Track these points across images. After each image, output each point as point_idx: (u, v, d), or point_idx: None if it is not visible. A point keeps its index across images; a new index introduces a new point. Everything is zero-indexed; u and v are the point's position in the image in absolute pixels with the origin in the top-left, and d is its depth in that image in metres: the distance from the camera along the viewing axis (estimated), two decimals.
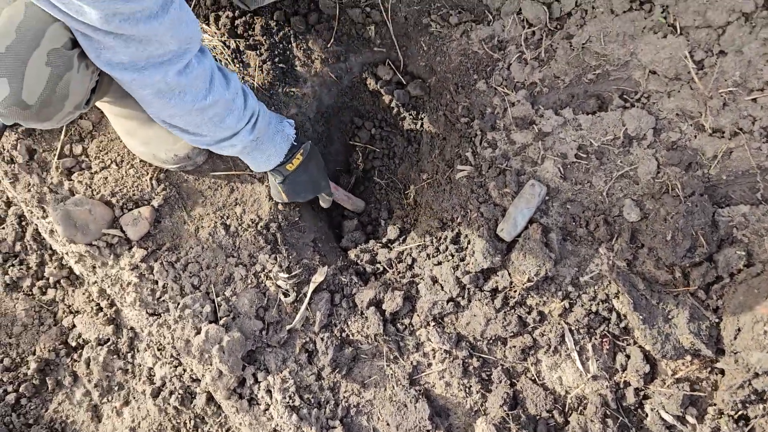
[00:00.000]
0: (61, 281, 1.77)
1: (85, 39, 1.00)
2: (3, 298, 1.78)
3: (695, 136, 1.45)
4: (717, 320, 1.38)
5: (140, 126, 1.52)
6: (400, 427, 1.41)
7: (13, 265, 1.78)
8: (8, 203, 1.81)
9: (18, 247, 1.79)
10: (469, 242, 1.52)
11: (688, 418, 1.38)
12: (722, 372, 1.38)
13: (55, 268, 1.76)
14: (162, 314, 1.54)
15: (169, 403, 1.63)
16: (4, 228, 1.80)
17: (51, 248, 1.78)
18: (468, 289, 1.49)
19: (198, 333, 1.48)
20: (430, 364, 1.50)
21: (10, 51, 0.91)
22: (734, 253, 1.38)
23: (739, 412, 1.33)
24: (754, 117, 1.40)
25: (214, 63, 1.25)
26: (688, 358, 1.38)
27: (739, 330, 1.33)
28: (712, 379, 1.39)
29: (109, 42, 1.00)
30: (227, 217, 1.59)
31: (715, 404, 1.37)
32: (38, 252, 1.78)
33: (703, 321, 1.37)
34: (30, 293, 1.78)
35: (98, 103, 1.55)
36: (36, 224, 1.76)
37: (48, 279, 1.78)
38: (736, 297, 1.35)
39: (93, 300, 1.74)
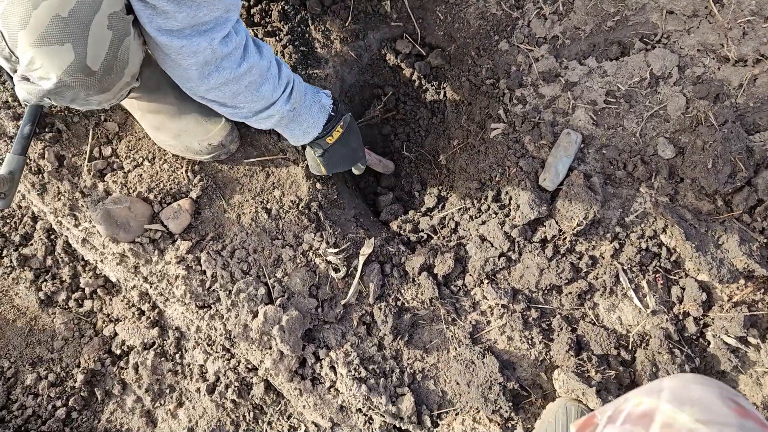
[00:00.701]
0: (98, 291, 1.73)
1: (139, 3, 1.00)
2: (39, 315, 1.74)
3: (719, 68, 1.49)
4: (765, 240, 1.41)
5: (170, 119, 1.51)
6: (471, 384, 1.41)
7: (45, 281, 1.74)
8: (35, 218, 1.78)
9: (49, 262, 1.75)
10: (511, 198, 1.54)
11: (750, 339, 1.41)
12: None
13: (90, 278, 1.72)
14: (212, 305, 1.52)
15: (226, 397, 1.60)
16: (32, 244, 1.76)
17: (83, 259, 1.75)
18: (517, 242, 1.51)
19: (255, 316, 1.47)
20: (489, 322, 1.51)
21: (73, 15, 0.90)
22: None
23: None
24: None
25: (248, 32, 1.26)
26: (742, 281, 1.41)
27: None
28: (767, 299, 1.42)
29: (163, 5, 1.00)
30: (267, 201, 1.59)
31: None
32: (70, 264, 1.75)
33: (753, 243, 1.41)
34: (66, 306, 1.74)
35: (124, 102, 1.54)
36: (66, 236, 1.73)
37: (84, 290, 1.74)
38: None
39: (133, 305, 1.71)
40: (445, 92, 1.76)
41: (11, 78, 1.51)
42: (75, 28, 0.92)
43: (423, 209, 1.69)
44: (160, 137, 1.55)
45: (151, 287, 1.59)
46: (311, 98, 1.42)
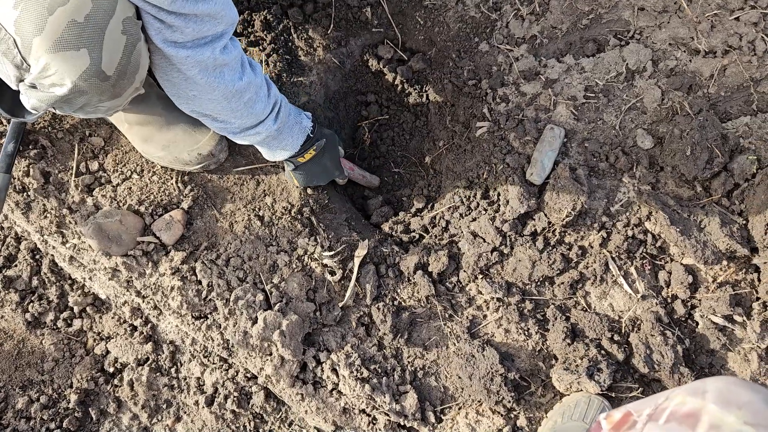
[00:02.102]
0: (87, 309, 1.71)
1: (149, 16, 1.01)
2: (27, 337, 1.70)
3: (690, 61, 1.56)
4: (744, 222, 1.48)
5: (157, 130, 1.51)
6: (473, 377, 1.43)
7: (32, 302, 1.71)
8: (18, 239, 1.74)
9: (35, 282, 1.72)
10: (499, 194, 1.58)
11: (736, 317, 1.46)
12: (757, 270, 1.48)
13: (78, 297, 1.69)
14: (209, 315, 1.51)
15: (225, 408, 1.59)
16: (17, 265, 1.73)
17: (70, 277, 1.72)
18: (509, 236, 1.54)
19: (255, 322, 1.46)
20: (485, 316, 1.53)
21: (89, 20, 0.90)
22: (746, 160, 1.49)
23: None
24: (740, 34, 1.53)
25: (241, 49, 1.29)
26: (725, 262, 1.47)
27: (767, 225, 1.43)
28: (749, 278, 1.48)
29: (172, 21, 1.02)
30: (259, 209, 1.59)
31: (759, 298, 1.46)
32: (57, 284, 1.72)
33: (733, 224, 1.47)
34: (55, 327, 1.71)
35: (112, 118, 1.54)
36: (52, 255, 1.70)
37: (72, 309, 1.71)
38: (757, 197, 1.46)
39: (125, 321, 1.68)
40: (428, 95, 1.80)
41: None
42: (91, 32, 0.92)
43: (413, 210, 1.72)
44: (148, 149, 1.55)
45: (144, 301, 1.58)
46: (294, 119, 1.45)
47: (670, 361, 1.40)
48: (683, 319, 1.49)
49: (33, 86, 0.96)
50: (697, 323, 1.48)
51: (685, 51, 1.57)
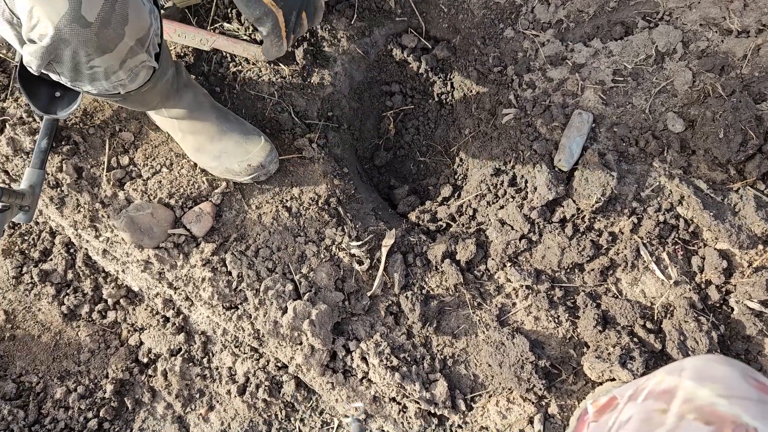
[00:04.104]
0: (120, 301, 1.74)
1: None
2: (64, 329, 1.74)
3: (722, 41, 1.53)
4: None
5: (209, 141, 1.52)
6: (503, 365, 1.43)
7: (67, 294, 1.75)
8: (53, 233, 1.78)
9: (70, 275, 1.75)
10: (527, 181, 1.56)
11: None
12: None
13: (112, 289, 1.73)
14: (240, 305, 1.53)
15: (257, 398, 1.61)
16: (52, 259, 1.77)
17: (104, 270, 1.75)
18: (537, 223, 1.53)
19: (285, 312, 1.48)
20: (514, 303, 1.53)
21: None
22: None
23: None
24: None
25: None
26: (761, 246, 1.44)
27: None
28: None
29: None
30: (287, 200, 1.60)
31: None
32: (91, 276, 1.75)
33: None
34: (90, 319, 1.74)
35: (165, 123, 1.55)
36: (86, 249, 1.73)
37: (107, 301, 1.75)
38: None
39: (157, 313, 1.71)
40: (452, 83, 1.79)
41: (19, 81, 1.52)
42: None
43: (439, 199, 1.71)
44: (201, 158, 1.57)
45: (175, 292, 1.60)
46: None
47: (704, 348, 1.37)
48: (718, 304, 1.46)
49: (31, 40, 0.95)
50: (732, 309, 1.45)
51: (716, 31, 1.54)
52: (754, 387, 0.68)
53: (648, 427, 0.69)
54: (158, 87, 1.28)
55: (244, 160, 1.50)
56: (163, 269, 1.56)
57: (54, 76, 1.08)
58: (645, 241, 1.49)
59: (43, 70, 1.04)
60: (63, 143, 1.62)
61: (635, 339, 1.42)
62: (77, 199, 1.59)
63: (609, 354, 1.39)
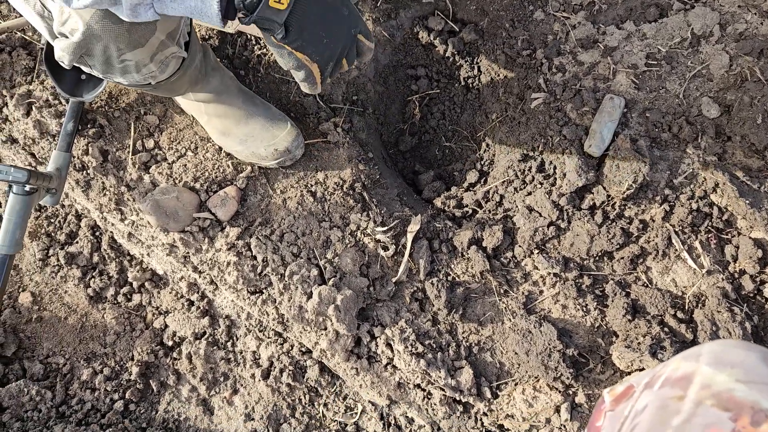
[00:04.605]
0: (145, 284, 1.75)
1: None
2: (90, 311, 1.75)
3: (762, 23, 1.48)
4: None
5: (236, 124, 1.51)
6: (530, 353, 1.41)
7: (93, 277, 1.76)
8: (78, 216, 1.79)
9: (96, 258, 1.76)
10: (555, 167, 1.53)
11: None
12: None
13: (137, 272, 1.73)
14: (264, 290, 1.53)
15: (281, 382, 1.61)
16: (78, 242, 1.78)
17: (129, 254, 1.76)
18: (566, 210, 1.50)
19: (310, 297, 1.47)
20: (541, 291, 1.50)
21: None
22: None
23: None
24: None
25: None
26: None
27: None
28: None
29: None
30: (311, 185, 1.59)
31: None
32: (117, 260, 1.76)
33: None
34: (116, 301, 1.75)
35: (190, 106, 1.54)
36: (111, 232, 1.74)
37: (132, 284, 1.75)
38: None
39: (182, 296, 1.72)
40: (479, 67, 1.76)
41: (45, 64, 1.52)
42: None
43: (465, 185, 1.69)
44: (227, 142, 1.56)
45: (200, 276, 1.60)
46: None
47: (737, 338, 1.34)
48: (752, 295, 1.43)
49: (62, 34, 0.95)
50: (767, 300, 1.42)
51: (755, 13, 1.49)
52: None
53: (664, 415, 0.67)
54: (187, 74, 1.28)
55: (271, 144, 1.49)
56: (188, 253, 1.56)
57: (86, 69, 1.08)
58: (677, 230, 1.46)
59: (75, 63, 1.04)
60: (89, 126, 1.62)
61: (666, 329, 1.39)
62: (103, 182, 1.60)
63: (639, 344, 1.36)
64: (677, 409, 0.66)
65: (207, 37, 1.69)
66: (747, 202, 1.39)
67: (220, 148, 1.60)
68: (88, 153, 1.60)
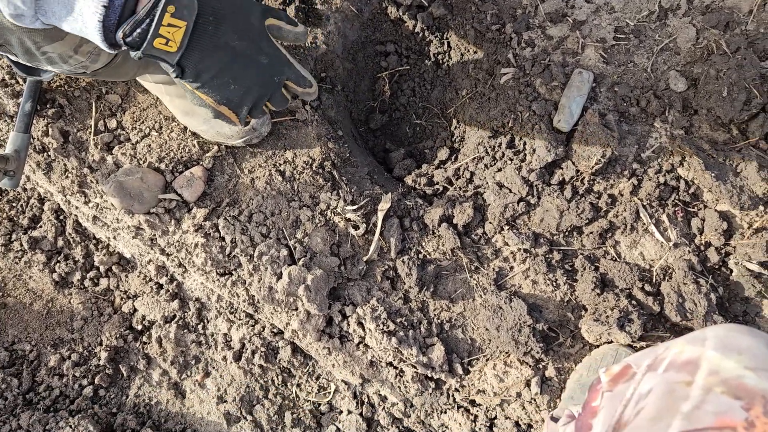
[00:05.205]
0: (113, 268, 1.72)
1: None
2: (56, 296, 1.72)
3: None
4: None
5: (198, 103, 1.47)
6: (501, 328, 1.42)
7: (58, 262, 1.72)
8: (41, 200, 1.75)
9: (60, 243, 1.73)
10: (525, 143, 1.53)
11: None
12: None
13: (104, 256, 1.70)
14: (234, 271, 1.51)
15: (253, 363, 1.60)
16: (41, 226, 1.74)
17: (95, 237, 1.73)
18: (536, 186, 1.50)
19: (280, 278, 1.46)
20: (512, 267, 1.51)
21: None
22: None
23: None
24: None
25: None
26: (762, 207, 1.42)
27: None
28: None
29: None
30: (280, 164, 1.57)
31: None
32: (82, 243, 1.72)
33: None
34: (82, 286, 1.72)
35: (152, 86, 1.50)
36: (75, 215, 1.70)
37: (98, 268, 1.72)
38: None
39: (150, 279, 1.69)
40: (449, 42, 1.74)
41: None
42: None
43: (436, 162, 1.68)
44: (191, 122, 1.52)
45: (168, 259, 1.57)
46: None
47: (703, 310, 1.36)
48: (717, 266, 1.45)
49: None
50: (732, 271, 1.44)
51: None
52: None
53: (671, 400, 0.66)
54: (131, 60, 1.23)
55: None
56: (154, 235, 1.53)
57: (12, 57, 1.03)
58: (645, 203, 1.47)
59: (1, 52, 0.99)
60: (48, 106, 1.57)
61: (633, 302, 1.40)
62: (65, 164, 1.55)
63: (607, 317, 1.38)
64: (686, 394, 0.65)
65: None
66: (713, 175, 1.40)
67: (185, 128, 1.57)
68: (48, 134, 1.55)
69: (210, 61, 0.89)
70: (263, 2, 0.90)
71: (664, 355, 0.75)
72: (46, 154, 1.56)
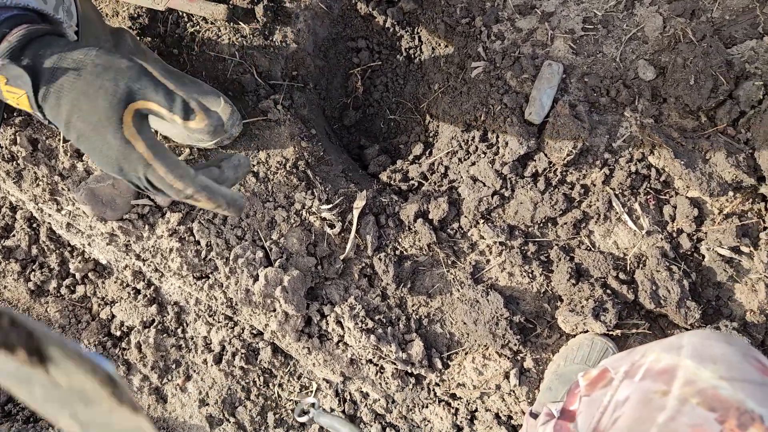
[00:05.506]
0: (89, 275, 1.70)
1: None
2: (32, 305, 1.70)
3: None
4: (751, 150, 1.43)
5: None
6: (478, 322, 1.43)
7: (33, 270, 1.70)
8: (13, 208, 1.72)
9: (35, 251, 1.71)
10: (498, 136, 1.53)
11: (743, 248, 1.44)
12: (765, 199, 1.45)
13: (79, 263, 1.69)
14: (210, 274, 1.50)
15: (234, 365, 1.60)
16: (14, 235, 1.71)
17: (69, 244, 1.71)
18: (509, 179, 1.51)
19: (256, 280, 1.45)
20: (488, 260, 1.52)
21: None
22: (752, 86, 1.44)
23: None
24: None
25: None
26: (731, 193, 1.44)
27: None
28: (756, 208, 1.45)
29: None
30: (253, 165, 1.56)
31: (766, 228, 1.43)
32: (57, 251, 1.71)
33: (739, 154, 1.43)
34: (59, 294, 1.71)
35: None
36: (49, 223, 1.68)
37: (74, 276, 1.71)
38: (763, 124, 1.41)
39: (128, 285, 1.68)
40: (420, 37, 1.73)
41: None
42: None
43: (410, 158, 1.68)
44: (160, 126, 1.50)
45: (144, 264, 1.56)
46: None
47: (676, 296, 1.38)
48: (689, 253, 1.47)
49: None
50: (704, 256, 1.46)
51: None
52: (756, 368, 0.66)
53: (647, 410, 0.66)
54: None
55: None
56: (129, 241, 1.52)
57: None
58: (617, 193, 1.48)
59: None
60: (15, 114, 1.54)
61: (608, 291, 1.42)
62: (35, 173, 1.53)
63: (582, 307, 1.39)
64: (662, 405, 0.65)
65: (136, 15, 1.62)
66: (682, 162, 1.41)
67: (156, 131, 1.55)
68: (17, 143, 1.53)
69: (66, 133, 0.75)
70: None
71: (641, 362, 0.74)
72: (15, 162, 1.54)
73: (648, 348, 0.76)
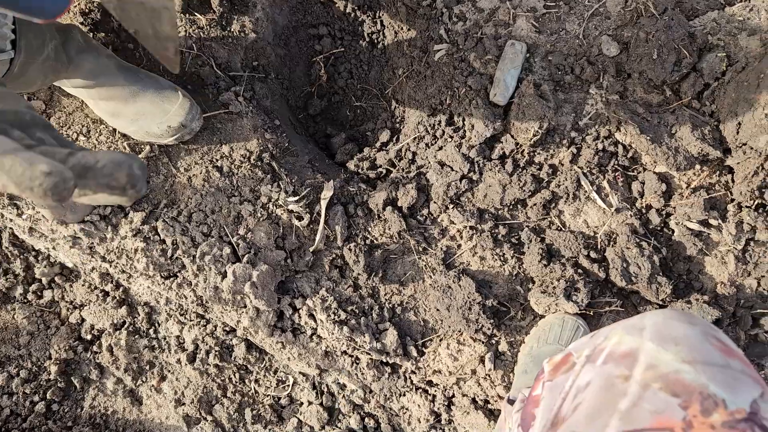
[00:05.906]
0: (55, 279, 1.66)
1: None
2: None
3: None
4: (716, 123, 1.43)
5: (124, 104, 1.41)
6: (451, 308, 1.42)
7: None
8: None
9: None
10: (464, 119, 1.51)
11: (712, 221, 1.44)
12: (731, 170, 1.45)
13: (45, 268, 1.65)
14: (178, 273, 1.47)
15: (208, 364, 1.58)
16: None
17: (34, 249, 1.67)
18: (477, 162, 1.49)
19: (224, 277, 1.43)
20: (459, 245, 1.50)
21: None
22: (715, 58, 1.43)
23: (757, 201, 1.40)
24: None
25: None
26: (698, 166, 1.44)
27: (739, 124, 1.38)
28: (723, 180, 1.45)
29: None
30: (217, 159, 1.53)
31: (733, 200, 1.43)
32: (21, 256, 1.67)
33: (704, 127, 1.42)
34: (26, 300, 1.67)
35: (73, 90, 1.43)
36: (11, 228, 1.64)
37: (41, 281, 1.67)
38: (727, 96, 1.41)
39: (96, 287, 1.65)
40: (382, 21, 1.70)
41: None
42: None
43: (378, 145, 1.65)
44: (119, 123, 1.46)
45: (111, 266, 1.53)
46: None
47: (647, 272, 1.38)
48: (659, 228, 1.47)
49: None
50: (673, 231, 1.46)
51: None
52: (718, 349, 0.64)
53: (609, 396, 0.64)
54: (33, 69, 1.17)
55: (163, 121, 1.41)
56: (92, 243, 1.49)
57: None
58: (585, 171, 1.47)
59: None
60: None
61: (579, 270, 1.42)
62: None
63: (554, 288, 1.39)
64: (623, 390, 0.63)
65: (87, 11, 1.57)
66: (648, 138, 1.40)
67: (115, 130, 1.51)
68: None
69: None
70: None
71: (603, 345, 0.72)
72: None
73: (611, 330, 0.74)
